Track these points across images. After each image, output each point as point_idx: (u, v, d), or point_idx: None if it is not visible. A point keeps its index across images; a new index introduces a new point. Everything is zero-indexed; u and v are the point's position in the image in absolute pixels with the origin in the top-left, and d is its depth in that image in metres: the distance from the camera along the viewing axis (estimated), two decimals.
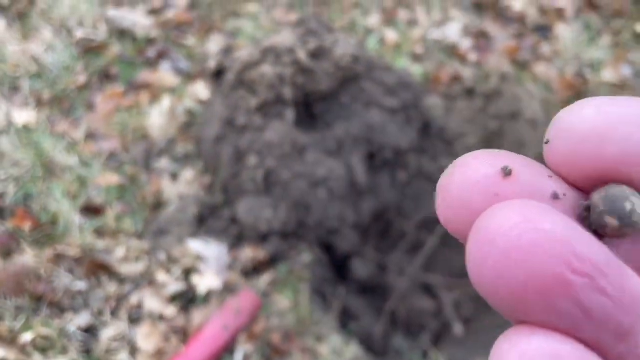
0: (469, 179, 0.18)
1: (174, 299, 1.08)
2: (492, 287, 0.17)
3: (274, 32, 1.35)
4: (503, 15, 1.63)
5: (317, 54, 1.16)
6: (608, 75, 1.44)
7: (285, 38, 1.17)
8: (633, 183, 0.18)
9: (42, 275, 1.11)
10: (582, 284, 0.17)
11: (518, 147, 1.22)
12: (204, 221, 1.18)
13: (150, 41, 1.55)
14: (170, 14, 1.61)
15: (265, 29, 1.58)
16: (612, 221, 0.18)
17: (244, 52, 1.18)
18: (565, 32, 1.53)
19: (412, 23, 1.60)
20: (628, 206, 0.18)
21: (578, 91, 1.43)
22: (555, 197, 0.19)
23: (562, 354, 0.17)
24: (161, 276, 1.10)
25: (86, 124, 1.37)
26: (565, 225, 0.17)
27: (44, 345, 1.04)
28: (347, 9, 1.64)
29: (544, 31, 1.57)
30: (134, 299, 1.08)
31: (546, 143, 0.19)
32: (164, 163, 1.28)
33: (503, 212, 0.17)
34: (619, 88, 1.43)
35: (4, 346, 1.02)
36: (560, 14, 1.61)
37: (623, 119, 0.18)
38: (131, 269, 1.11)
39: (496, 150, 0.19)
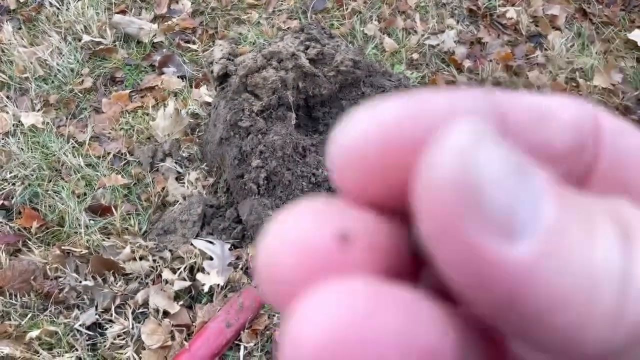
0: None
1: (178, 296, 1.10)
2: None
3: (276, 38, 1.38)
4: (497, 24, 1.67)
5: (318, 59, 1.19)
6: (599, 81, 1.48)
7: (287, 44, 1.20)
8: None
9: (49, 273, 1.12)
10: None
11: None
12: (208, 221, 1.20)
13: (155, 46, 1.58)
14: (174, 20, 1.64)
15: (267, 36, 1.61)
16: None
17: (248, 57, 1.21)
18: (558, 40, 1.57)
19: (409, 31, 1.64)
20: None
21: (570, 96, 1.46)
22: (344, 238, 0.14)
23: None
24: (166, 274, 1.11)
25: (92, 126, 1.39)
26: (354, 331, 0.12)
27: (50, 343, 1.05)
28: (347, 17, 1.68)
29: (537, 39, 1.61)
30: (139, 297, 1.09)
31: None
32: (168, 164, 1.30)
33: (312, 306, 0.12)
34: (611, 92, 1.47)
35: (11, 343, 1.04)
36: (553, 22, 1.65)
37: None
38: (136, 267, 1.12)
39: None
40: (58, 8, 1.66)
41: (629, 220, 0.13)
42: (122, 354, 1.03)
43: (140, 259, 1.14)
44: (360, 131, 0.13)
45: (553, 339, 0.13)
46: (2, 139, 1.36)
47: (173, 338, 1.04)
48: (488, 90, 0.14)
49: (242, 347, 1.04)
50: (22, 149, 1.32)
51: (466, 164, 0.11)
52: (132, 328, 1.06)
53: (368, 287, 0.12)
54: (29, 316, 1.07)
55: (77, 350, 1.04)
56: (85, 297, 1.10)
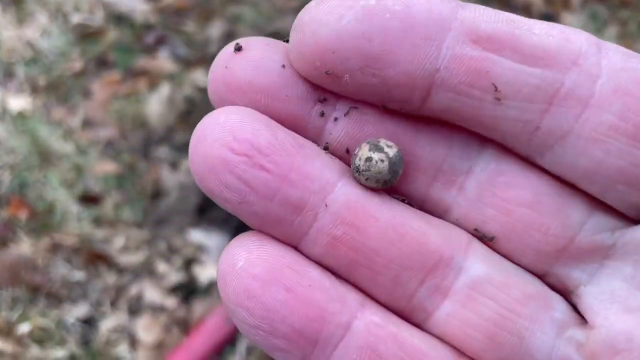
0: (220, 54, 0.23)
1: (174, 289, 1.07)
2: (197, 179, 0.22)
3: (275, 19, 1.34)
4: (508, 4, 1.62)
5: None
6: None
7: (288, 24, 1.15)
8: (349, 62, 0.21)
9: (39, 265, 1.10)
10: (239, 161, 0.21)
11: None
12: (205, 211, 1.17)
13: (148, 27, 1.53)
14: (168, 0, 1.59)
15: (266, 15, 1.56)
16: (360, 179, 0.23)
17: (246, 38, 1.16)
18: (571, 22, 1.53)
19: None
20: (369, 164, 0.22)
21: None
22: (283, 66, 0.22)
23: (276, 264, 0.22)
24: (161, 266, 1.09)
25: (83, 111, 1.35)
26: (243, 116, 0.21)
27: (41, 337, 1.03)
28: None
29: (549, 20, 1.56)
30: (133, 290, 1.07)
31: (285, 41, 0.23)
32: (163, 151, 1.27)
33: (203, 120, 0.22)
34: None
35: (1, 337, 1.02)
36: (566, 3, 1.60)
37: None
38: (130, 259, 1.10)
39: (269, 40, 0.23)
40: None
41: None
42: (116, 348, 1.02)
43: (135, 250, 1.12)
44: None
45: None
46: None
47: (170, 333, 1.02)
48: None
49: (242, 344, 1.02)
50: (10, 135, 1.29)
51: None
52: (127, 322, 1.04)
53: (238, 108, 0.23)
54: (18, 309, 1.05)
55: (69, 344, 1.02)
56: (76, 290, 1.08)
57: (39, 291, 1.08)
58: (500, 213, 0.23)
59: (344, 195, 0.22)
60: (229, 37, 1.24)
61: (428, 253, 0.23)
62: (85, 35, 1.51)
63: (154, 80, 1.41)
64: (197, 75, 1.41)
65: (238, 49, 0.22)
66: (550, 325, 0.23)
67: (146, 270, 1.10)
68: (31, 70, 1.43)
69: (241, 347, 1.02)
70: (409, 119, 0.23)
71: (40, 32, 1.49)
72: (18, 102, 1.35)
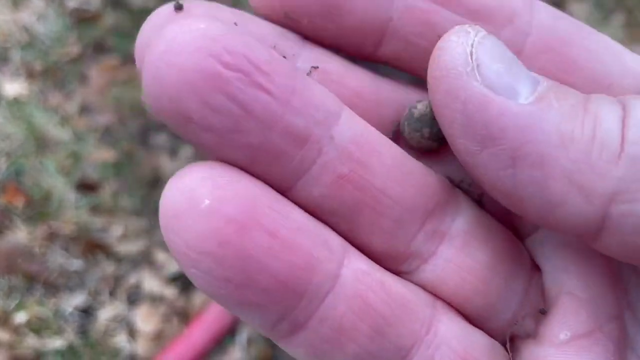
0: (154, 14, 0.20)
1: (174, 279, 1.07)
2: (160, 102, 0.18)
3: None
4: None
5: None
6: None
7: None
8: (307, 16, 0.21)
9: (36, 253, 1.09)
10: (233, 77, 0.17)
11: None
12: None
13: (146, 12, 1.51)
14: None
15: None
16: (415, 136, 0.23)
17: None
18: (578, 10, 1.52)
19: None
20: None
21: None
22: (235, 25, 0.20)
23: (257, 203, 0.18)
24: (161, 256, 1.08)
25: (80, 97, 1.34)
26: (224, 27, 0.18)
27: (38, 326, 1.03)
28: None
29: (556, 8, 1.55)
30: (132, 279, 1.07)
31: None
32: (162, 139, 1.25)
33: (168, 28, 0.18)
34: None
35: None
36: None
37: None
38: (129, 248, 1.09)
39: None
40: None
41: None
42: (114, 338, 1.01)
43: (134, 238, 1.11)
44: None
45: (554, 184, 0.18)
46: None
47: (169, 323, 1.02)
48: None
49: (242, 334, 1.01)
50: (6, 121, 1.28)
51: (471, 49, 0.19)
52: (126, 312, 1.04)
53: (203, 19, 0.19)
54: (15, 298, 1.05)
55: (66, 334, 1.01)
56: (74, 279, 1.07)
57: (36, 280, 1.07)
58: None
59: (350, 129, 0.20)
60: None
61: (430, 194, 0.22)
62: (82, 19, 1.49)
63: None
64: None
65: (179, 7, 0.20)
66: (526, 268, 0.24)
67: (145, 260, 1.09)
68: (27, 55, 1.41)
69: (241, 337, 1.01)
70: (370, 78, 0.23)
71: (36, 16, 1.47)
72: (13, 88, 1.33)
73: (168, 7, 0.20)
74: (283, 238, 0.18)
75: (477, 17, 0.22)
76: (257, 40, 0.19)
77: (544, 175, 0.18)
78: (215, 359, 1.00)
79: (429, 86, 0.20)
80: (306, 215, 0.20)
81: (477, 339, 0.22)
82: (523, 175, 0.18)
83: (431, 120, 0.23)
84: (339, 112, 0.20)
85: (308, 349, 0.20)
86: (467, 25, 0.19)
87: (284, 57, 0.21)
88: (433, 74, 0.20)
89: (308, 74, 0.21)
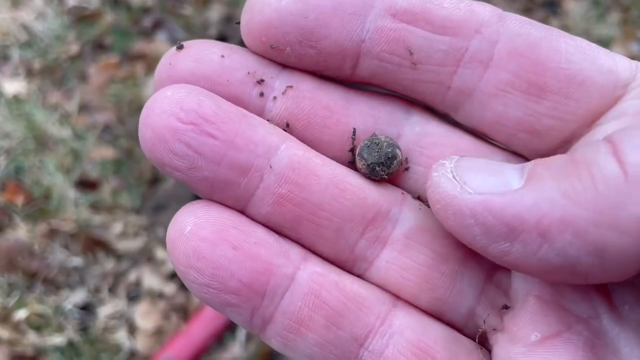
0: (165, 55, 0.25)
1: (173, 276, 1.06)
2: (146, 152, 0.24)
3: None
4: None
5: None
6: (617, 51, 1.42)
7: None
8: (289, 36, 0.24)
9: (36, 251, 1.09)
10: (187, 129, 0.23)
11: None
12: None
13: (145, 10, 1.50)
14: None
15: None
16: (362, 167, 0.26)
17: None
18: (574, 8, 1.51)
19: None
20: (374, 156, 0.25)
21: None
22: (222, 56, 0.25)
23: (223, 225, 0.24)
24: (160, 253, 1.08)
25: (79, 95, 1.33)
26: (189, 90, 0.23)
27: (38, 323, 1.02)
28: None
29: (552, 6, 1.54)
30: (132, 276, 1.06)
31: (237, 24, 0.25)
32: None
33: (150, 99, 0.24)
34: None
35: None
36: None
37: None
38: (129, 245, 1.09)
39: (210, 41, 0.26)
40: None
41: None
42: (114, 335, 1.01)
43: (133, 236, 1.10)
44: None
45: (589, 234, 0.19)
46: None
47: (169, 319, 1.02)
48: None
49: (242, 331, 1.01)
50: (5, 120, 1.27)
51: (452, 174, 0.22)
52: (126, 309, 1.03)
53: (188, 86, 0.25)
54: (15, 295, 1.04)
55: (67, 331, 1.01)
56: (74, 276, 1.07)
57: (36, 277, 1.06)
58: (428, 169, 0.26)
59: (287, 157, 0.24)
60: (228, 20, 1.22)
61: (367, 206, 0.25)
62: (81, 18, 1.48)
63: (151, 64, 1.38)
64: None
65: (180, 47, 0.25)
66: (480, 268, 0.26)
67: (145, 257, 1.09)
68: (26, 54, 1.40)
69: (241, 334, 1.01)
70: (341, 93, 0.26)
71: (36, 14, 1.46)
72: (13, 86, 1.33)
73: (172, 50, 0.25)
74: (244, 250, 0.24)
75: (444, 31, 0.24)
76: (238, 68, 0.25)
77: (574, 232, 0.19)
78: (215, 355, 1.00)
79: (440, 221, 0.23)
80: (267, 230, 0.25)
81: (434, 330, 0.25)
82: (557, 243, 0.19)
83: (373, 154, 0.25)
84: (279, 145, 0.24)
85: (278, 339, 0.24)
86: (441, 160, 0.23)
87: (262, 80, 0.25)
88: (435, 209, 0.22)
89: (283, 93, 0.25)
